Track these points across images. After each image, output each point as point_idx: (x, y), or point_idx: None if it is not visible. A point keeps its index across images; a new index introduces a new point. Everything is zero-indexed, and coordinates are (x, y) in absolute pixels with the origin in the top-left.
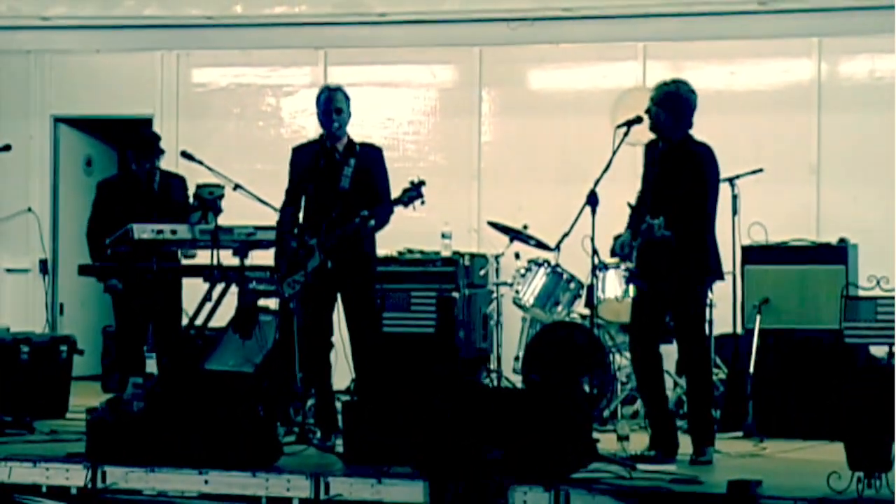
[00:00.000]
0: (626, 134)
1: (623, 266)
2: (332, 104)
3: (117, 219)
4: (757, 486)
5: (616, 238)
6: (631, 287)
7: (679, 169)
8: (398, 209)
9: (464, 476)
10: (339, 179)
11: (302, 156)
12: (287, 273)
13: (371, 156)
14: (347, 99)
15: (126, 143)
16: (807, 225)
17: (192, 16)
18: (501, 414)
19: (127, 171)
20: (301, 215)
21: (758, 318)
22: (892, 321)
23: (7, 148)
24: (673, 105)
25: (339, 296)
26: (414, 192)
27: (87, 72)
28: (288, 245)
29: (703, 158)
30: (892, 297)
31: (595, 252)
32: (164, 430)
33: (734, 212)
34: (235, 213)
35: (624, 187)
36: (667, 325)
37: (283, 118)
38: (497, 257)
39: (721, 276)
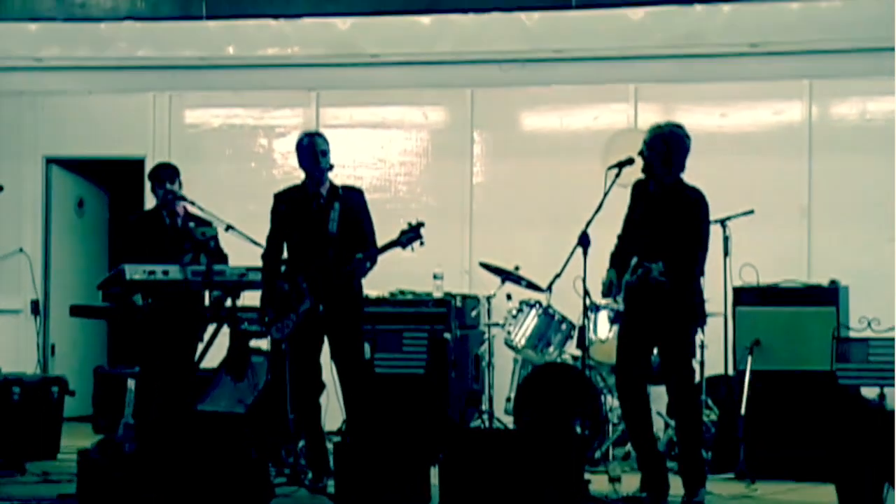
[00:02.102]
0: (617, 175)
1: (609, 307)
2: (315, 148)
3: (141, 254)
4: None
5: (604, 281)
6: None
7: (672, 214)
8: (392, 250)
9: None
10: (327, 223)
11: (285, 201)
12: (275, 318)
13: (354, 198)
14: (327, 143)
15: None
16: (798, 267)
17: (185, 57)
18: (494, 455)
19: (155, 209)
20: (285, 259)
21: (749, 359)
22: (883, 363)
23: None
24: (667, 148)
25: (326, 337)
26: (412, 234)
27: (80, 113)
28: (277, 290)
29: (697, 205)
30: (883, 339)
31: (587, 293)
32: (155, 472)
33: (725, 253)
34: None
35: (615, 229)
36: (651, 366)
37: (275, 159)
38: (489, 298)
39: (705, 321)
